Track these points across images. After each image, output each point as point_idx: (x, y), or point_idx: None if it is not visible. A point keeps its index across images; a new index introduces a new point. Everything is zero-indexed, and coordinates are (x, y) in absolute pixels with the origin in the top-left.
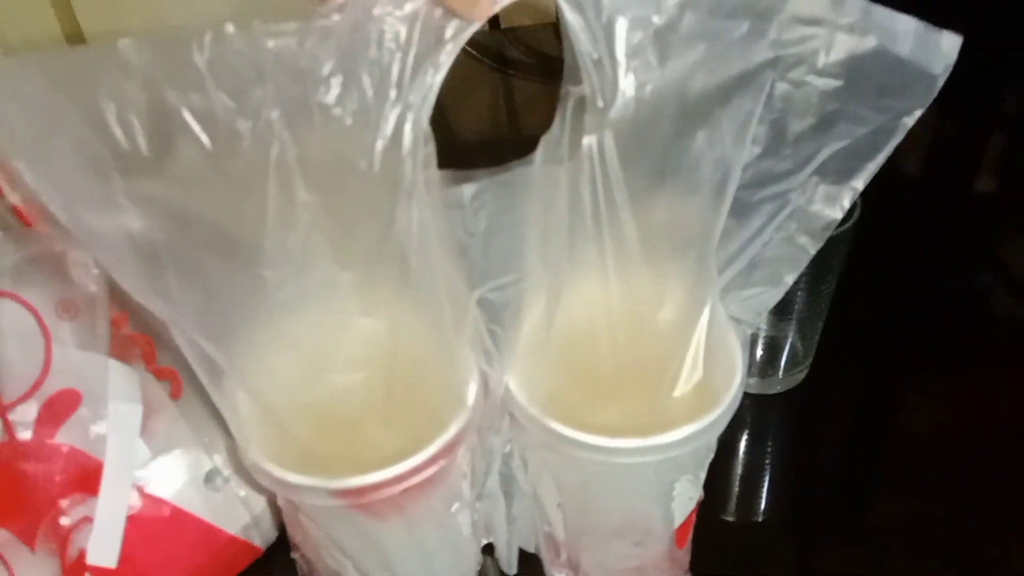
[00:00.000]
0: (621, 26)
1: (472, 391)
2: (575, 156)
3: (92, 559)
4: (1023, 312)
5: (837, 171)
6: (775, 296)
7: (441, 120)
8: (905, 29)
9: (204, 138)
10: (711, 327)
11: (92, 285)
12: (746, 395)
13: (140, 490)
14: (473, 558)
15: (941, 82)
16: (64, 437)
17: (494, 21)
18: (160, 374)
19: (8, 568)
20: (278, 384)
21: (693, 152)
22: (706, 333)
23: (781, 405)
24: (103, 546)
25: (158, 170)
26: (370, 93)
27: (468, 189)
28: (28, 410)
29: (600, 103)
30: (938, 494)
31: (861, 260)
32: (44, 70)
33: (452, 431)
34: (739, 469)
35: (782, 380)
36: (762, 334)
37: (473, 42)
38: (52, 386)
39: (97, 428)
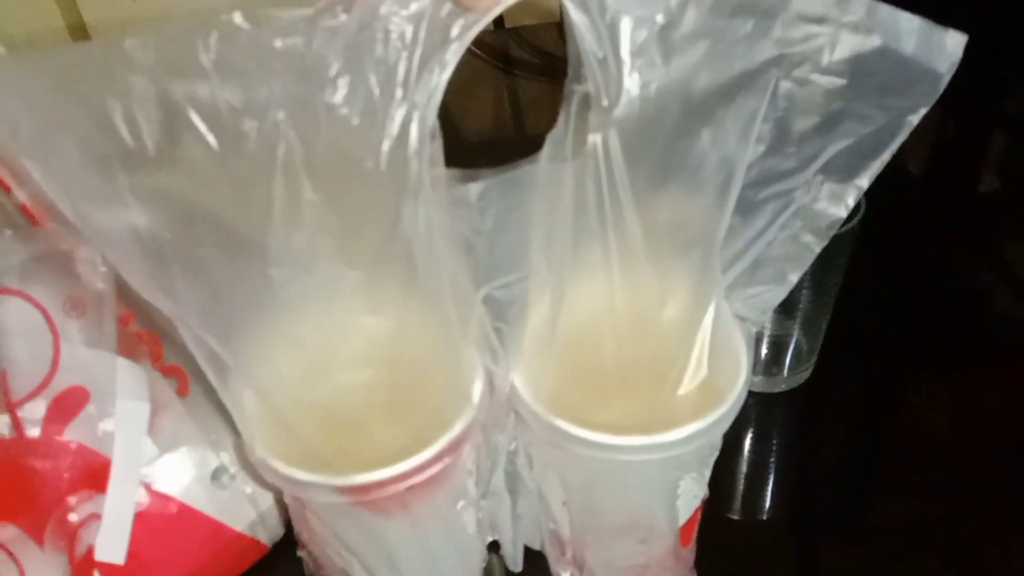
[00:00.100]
0: (625, 25)
1: (477, 389)
2: (579, 155)
3: (100, 555)
4: None
5: (842, 169)
6: (780, 294)
7: (445, 119)
8: (910, 27)
9: (210, 137)
10: (716, 325)
11: (100, 283)
12: (751, 393)
13: (147, 487)
14: (478, 556)
15: (946, 80)
16: (72, 434)
17: (498, 21)
18: (167, 372)
19: (17, 564)
20: (284, 382)
21: (697, 150)
22: (711, 331)
23: (786, 404)
24: (111, 542)
25: (164, 169)
26: (376, 92)
27: (475, 188)
28: (36, 407)
29: (605, 102)
30: (943, 493)
31: (866, 258)
32: (50, 68)
33: (457, 429)
34: (744, 467)
35: (787, 379)
36: (767, 333)
37: (477, 42)
38: (60, 383)
39: (105, 425)
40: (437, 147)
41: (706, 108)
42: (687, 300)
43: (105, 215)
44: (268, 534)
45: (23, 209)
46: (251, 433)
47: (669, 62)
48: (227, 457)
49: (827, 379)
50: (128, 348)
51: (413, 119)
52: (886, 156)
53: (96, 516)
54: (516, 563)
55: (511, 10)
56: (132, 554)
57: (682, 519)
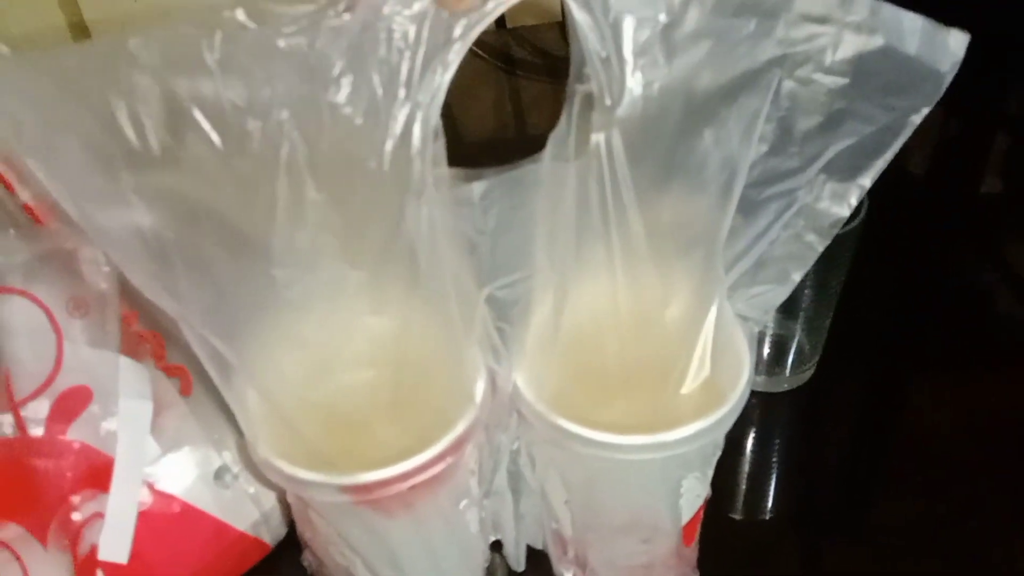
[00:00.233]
0: (628, 24)
1: (480, 388)
2: (582, 154)
3: (103, 555)
4: None
5: (844, 169)
6: (782, 294)
7: (448, 119)
8: (912, 27)
9: (214, 137)
10: (718, 325)
11: (103, 282)
12: (753, 393)
13: (150, 486)
14: (481, 555)
15: (948, 80)
16: (75, 433)
17: (500, 21)
18: (170, 371)
19: (21, 564)
20: (287, 382)
21: (700, 150)
22: (713, 331)
23: (788, 403)
24: (114, 542)
25: (168, 168)
26: (380, 92)
27: (478, 187)
28: (40, 407)
29: (608, 101)
30: (945, 493)
31: (868, 258)
32: (54, 67)
33: (460, 428)
34: (746, 467)
35: (789, 378)
36: (769, 332)
37: (479, 42)
38: (63, 383)
39: (108, 425)
40: (440, 147)
41: (709, 107)
42: (690, 299)
43: (108, 214)
44: (271, 534)
45: (26, 208)
46: (254, 432)
47: (672, 61)
48: (230, 456)
49: (829, 379)
50: (131, 348)
51: (416, 119)
52: (889, 155)
53: (99, 515)
54: (519, 562)
55: (512, 10)
56: (135, 553)
57: (685, 518)
